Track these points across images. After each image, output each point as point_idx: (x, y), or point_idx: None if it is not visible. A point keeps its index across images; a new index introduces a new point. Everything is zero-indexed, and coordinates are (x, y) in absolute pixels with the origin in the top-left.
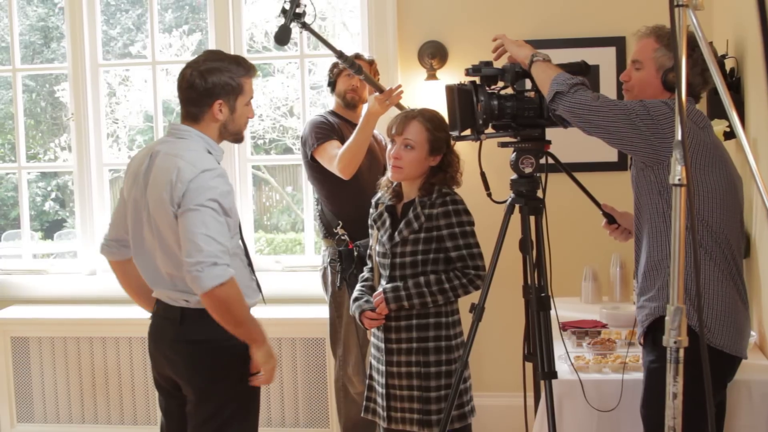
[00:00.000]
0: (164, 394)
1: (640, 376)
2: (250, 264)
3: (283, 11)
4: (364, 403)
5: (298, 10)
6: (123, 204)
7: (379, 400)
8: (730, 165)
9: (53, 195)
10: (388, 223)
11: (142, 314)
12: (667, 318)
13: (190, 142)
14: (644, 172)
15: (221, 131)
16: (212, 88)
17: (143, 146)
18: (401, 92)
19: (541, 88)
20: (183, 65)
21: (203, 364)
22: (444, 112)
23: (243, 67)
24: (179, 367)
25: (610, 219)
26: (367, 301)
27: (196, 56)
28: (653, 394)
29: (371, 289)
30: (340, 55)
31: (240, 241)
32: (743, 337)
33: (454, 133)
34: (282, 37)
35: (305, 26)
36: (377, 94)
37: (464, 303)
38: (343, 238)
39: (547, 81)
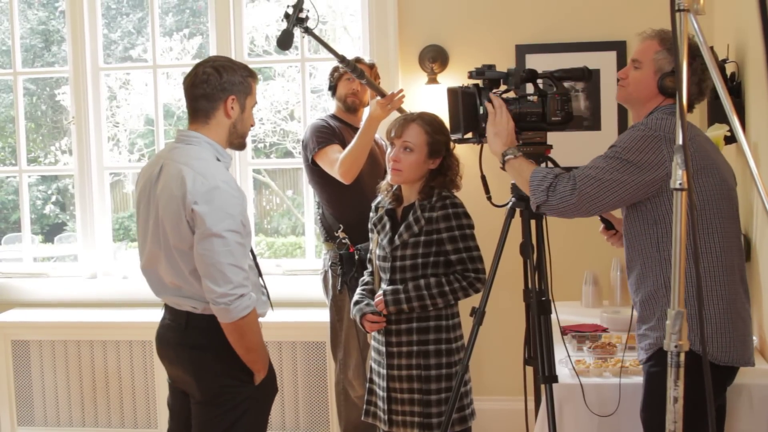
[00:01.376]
0: (172, 391)
1: (640, 380)
2: (260, 275)
3: (286, 16)
4: (365, 406)
5: (301, 15)
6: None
7: (379, 403)
8: (723, 169)
9: (54, 198)
10: (388, 226)
11: (142, 317)
12: (667, 322)
13: (199, 150)
14: (636, 204)
15: (230, 132)
16: (226, 82)
17: (144, 149)
18: (403, 96)
19: (520, 187)
20: (184, 69)
21: (208, 369)
22: (444, 116)
23: (248, 71)
24: (185, 371)
25: (608, 224)
26: (367, 305)
27: (199, 60)
28: (653, 398)
29: (372, 293)
30: (342, 59)
31: (250, 253)
32: (746, 347)
33: (456, 136)
34: (285, 41)
35: (308, 31)
36: (379, 98)
37: (465, 306)
38: (344, 241)
39: (524, 185)
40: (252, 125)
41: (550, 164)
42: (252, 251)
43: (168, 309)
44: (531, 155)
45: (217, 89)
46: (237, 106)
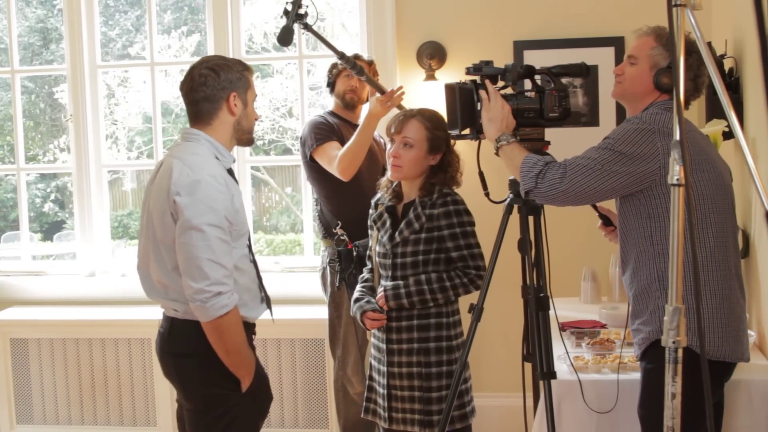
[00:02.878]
0: (177, 400)
1: (638, 376)
2: (258, 276)
3: (285, 12)
4: (365, 404)
5: (300, 11)
6: None
7: (379, 400)
8: (719, 165)
9: (52, 196)
10: (388, 223)
11: (141, 316)
12: (665, 318)
13: (196, 146)
14: (631, 198)
15: (236, 129)
16: (225, 81)
17: (142, 147)
18: (402, 93)
19: (512, 173)
20: (182, 66)
21: (192, 376)
22: (443, 112)
23: (243, 65)
24: (170, 378)
25: (606, 221)
26: (368, 302)
27: (195, 60)
28: (650, 394)
29: (371, 290)
30: (341, 56)
31: (248, 251)
32: (741, 342)
33: (454, 132)
34: (285, 37)
35: (307, 27)
36: (378, 95)
37: (463, 303)
38: (342, 238)
39: (515, 171)
40: (256, 119)
41: None
42: (252, 253)
43: (162, 315)
44: (529, 151)
45: (217, 89)
46: (239, 102)
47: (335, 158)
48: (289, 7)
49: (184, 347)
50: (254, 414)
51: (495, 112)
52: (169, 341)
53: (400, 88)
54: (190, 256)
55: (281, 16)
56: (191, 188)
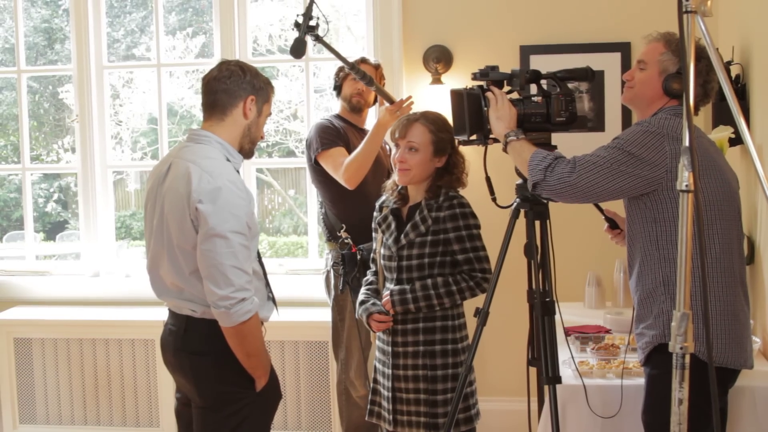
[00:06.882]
0: (178, 399)
1: (643, 381)
2: (265, 276)
3: (297, 24)
4: (369, 406)
5: (311, 23)
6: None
7: (384, 403)
8: (726, 172)
9: (55, 196)
10: (393, 226)
11: (144, 316)
12: (673, 324)
13: (208, 149)
14: (637, 201)
15: (243, 134)
16: (249, 83)
17: (146, 148)
18: (411, 103)
19: (520, 169)
20: (187, 68)
21: (208, 374)
22: (448, 117)
23: (270, 82)
24: (184, 376)
25: (612, 224)
26: (374, 304)
27: (200, 62)
28: (655, 400)
29: (376, 292)
30: (351, 66)
31: (257, 254)
32: (745, 349)
33: (462, 138)
34: (298, 49)
35: (318, 39)
36: (387, 105)
37: (469, 307)
38: (346, 241)
39: (523, 166)
40: (261, 137)
41: None
42: (258, 253)
43: (170, 313)
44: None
45: (239, 86)
46: (255, 108)
47: (341, 165)
48: (300, 20)
49: (202, 345)
50: (265, 412)
51: (503, 111)
52: (185, 339)
53: (409, 97)
54: (215, 263)
55: (292, 28)
56: (213, 195)
